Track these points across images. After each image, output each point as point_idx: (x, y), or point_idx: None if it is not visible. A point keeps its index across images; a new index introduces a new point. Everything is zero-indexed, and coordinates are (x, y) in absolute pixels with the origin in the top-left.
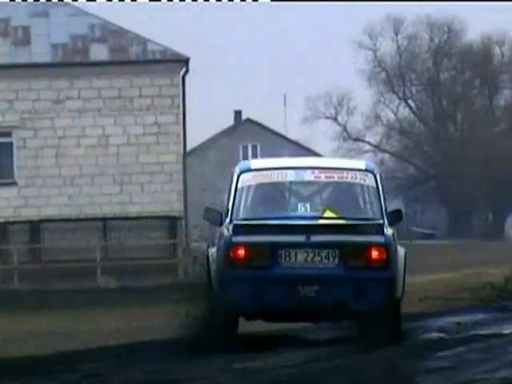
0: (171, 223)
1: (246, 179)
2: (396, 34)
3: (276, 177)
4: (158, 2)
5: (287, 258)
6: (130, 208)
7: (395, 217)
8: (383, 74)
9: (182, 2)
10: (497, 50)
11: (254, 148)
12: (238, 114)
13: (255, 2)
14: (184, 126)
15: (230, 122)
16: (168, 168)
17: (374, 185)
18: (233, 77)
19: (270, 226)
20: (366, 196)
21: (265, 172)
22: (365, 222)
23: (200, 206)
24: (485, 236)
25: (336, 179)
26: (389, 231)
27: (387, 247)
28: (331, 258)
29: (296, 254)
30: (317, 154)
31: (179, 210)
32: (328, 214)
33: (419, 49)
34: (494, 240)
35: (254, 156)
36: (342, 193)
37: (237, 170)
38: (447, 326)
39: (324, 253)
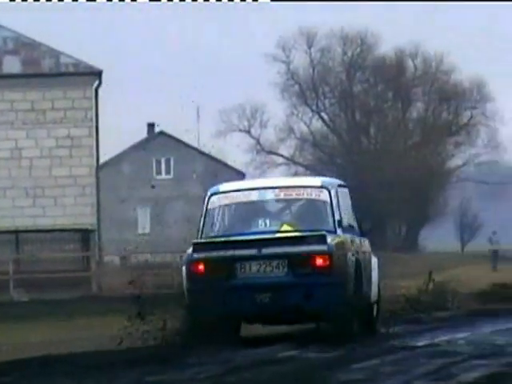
0: (84, 236)
1: (215, 201)
2: (309, 47)
3: (241, 197)
4: (71, 15)
5: (242, 270)
6: (43, 221)
7: (366, 227)
8: (296, 87)
9: (96, 16)
10: (410, 63)
11: (167, 161)
12: (151, 126)
13: (167, 15)
14: (97, 138)
15: (144, 134)
16: (81, 181)
17: (328, 200)
18: (146, 89)
19: (225, 242)
20: (321, 210)
21: (231, 194)
22: (309, 234)
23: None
24: (398, 248)
25: (294, 196)
26: (334, 240)
27: (330, 255)
28: (281, 268)
29: (250, 265)
30: (231, 168)
31: (92, 223)
32: (285, 228)
33: (332, 62)
34: (407, 252)
35: (167, 168)
36: (298, 208)
37: (208, 193)
38: (361, 338)
39: (275, 263)
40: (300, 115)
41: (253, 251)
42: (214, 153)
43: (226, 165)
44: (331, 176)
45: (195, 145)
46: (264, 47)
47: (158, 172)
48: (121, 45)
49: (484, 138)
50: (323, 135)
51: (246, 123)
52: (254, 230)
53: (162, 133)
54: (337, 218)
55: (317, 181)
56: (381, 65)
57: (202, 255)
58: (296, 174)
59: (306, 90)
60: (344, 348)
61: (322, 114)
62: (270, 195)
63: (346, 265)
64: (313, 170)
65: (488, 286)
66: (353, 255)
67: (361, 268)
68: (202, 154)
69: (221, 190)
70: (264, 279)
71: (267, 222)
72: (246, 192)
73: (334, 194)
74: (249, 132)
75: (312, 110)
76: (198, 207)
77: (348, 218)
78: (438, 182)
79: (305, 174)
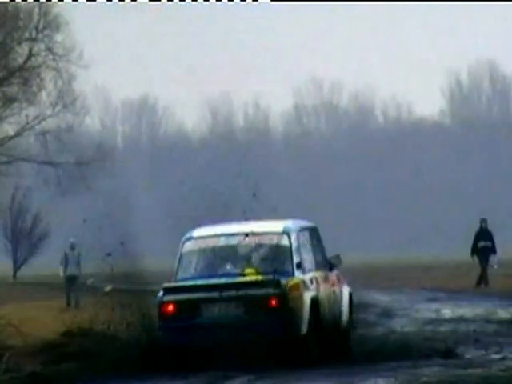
0: None
1: (189, 246)
2: None
3: (211, 243)
4: None
5: (206, 310)
6: None
7: (335, 261)
8: None
9: None
10: None
11: None
12: None
13: None
14: None
15: None
16: None
17: (288, 244)
18: None
19: (191, 286)
20: (281, 254)
21: (202, 240)
22: (264, 278)
23: None
24: None
25: (257, 242)
26: (288, 283)
27: (282, 297)
28: (239, 308)
29: (213, 306)
30: None
31: None
32: (249, 271)
33: None
34: None
35: None
36: (260, 253)
37: (183, 238)
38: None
39: (233, 304)
40: None
41: (215, 294)
42: None
43: None
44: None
45: None
46: None
47: None
48: None
49: (52, 91)
50: None
51: None
52: (220, 272)
53: None
54: (296, 260)
55: (279, 227)
56: None
57: (171, 298)
58: None
59: None
60: None
61: None
62: (235, 241)
63: (301, 303)
64: None
65: (58, 335)
66: (310, 293)
67: (319, 302)
68: None
69: (194, 235)
70: (224, 319)
71: (232, 265)
72: (216, 238)
73: (295, 238)
74: None
75: None
76: None
77: (313, 256)
78: None
79: None
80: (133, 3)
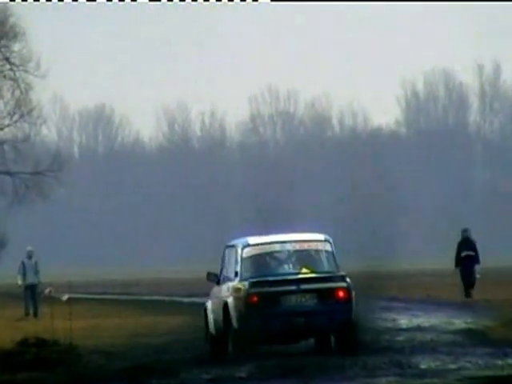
0: None
1: (247, 251)
2: None
3: (267, 249)
4: None
5: (285, 301)
6: None
7: None
8: None
9: None
10: None
11: None
12: None
13: None
14: None
15: None
16: None
17: (330, 249)
18: None
19: (272, 280)
20: (327, 257)
21: (259, 246)
22: (333, 274)
23: None
24: None
25: (306, 247)
26: (348, 279)
27: (348, 289)
28: (313, 299)
29: (290, 297)
30: None
31: None
32: (304, 270)
33: None
34: None
35: None
36: (311, 256)
37: (239, 245)
38: None
39: (308, 295)
40: None
41: (293, 287)
42: None
43: None
44: None
45: None
46: None
47: None
48: None
49: (10, 101)
50: None
51: None
52: (281, 272)
53: None
54: (337, 263)
55: (320, 236)
56: None
57: (256, 290)
58: None
59: None
60: None
61: None
62: (288, 247)
63: (353, 295)
64: None
65: (15, 345)
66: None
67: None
68: None
69: (250, 243)
70: (300, 308)
71: (290, 266)
72: (271, 245)
73: (333, 245)
74: None
75: None
76: None
77: None
78: None
79: None
80: (90, 14)
